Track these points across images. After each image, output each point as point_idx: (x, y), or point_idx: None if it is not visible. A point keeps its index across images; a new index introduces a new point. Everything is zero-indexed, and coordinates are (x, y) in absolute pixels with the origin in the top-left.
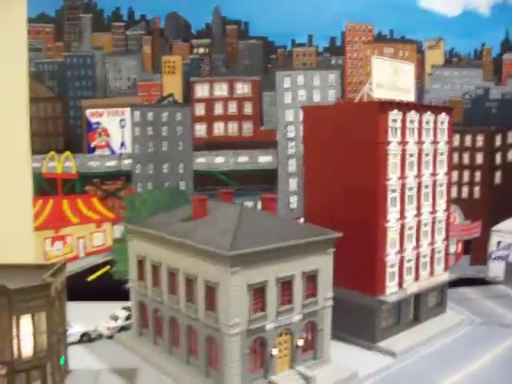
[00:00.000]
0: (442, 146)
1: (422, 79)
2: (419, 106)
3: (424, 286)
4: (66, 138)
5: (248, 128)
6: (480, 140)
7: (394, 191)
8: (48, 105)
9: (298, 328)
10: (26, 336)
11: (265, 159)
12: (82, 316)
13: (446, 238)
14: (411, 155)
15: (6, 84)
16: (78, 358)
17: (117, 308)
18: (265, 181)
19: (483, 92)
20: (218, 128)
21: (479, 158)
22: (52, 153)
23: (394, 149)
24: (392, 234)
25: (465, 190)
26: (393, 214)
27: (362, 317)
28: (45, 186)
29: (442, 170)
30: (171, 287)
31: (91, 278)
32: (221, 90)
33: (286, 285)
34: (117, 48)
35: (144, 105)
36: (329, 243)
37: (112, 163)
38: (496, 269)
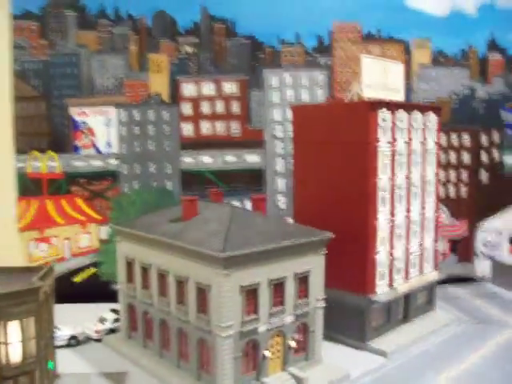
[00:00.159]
0: (431, 146)
1: (409, 79)
2: (408, 106)
3: (414, 285)
4: (51, 138)
5: (236, 127)
6: (467, 139)
7: (383, 191)
8: (32, 104)
9: (290, 329)
10: (14, 342)
11: (252, 159)
12: (69, 319)
13: (435, 237)
14: (401, 155)
15: None
16: (66, 361)
17: (104, 310)
18: (252, 180)
19: (470, 92)
20: (206, 127)
21: (466, 158)
22: (34, 152)
23: (383, 148)
24: (382, 234)
25: (452, 190)
26: (383, 213)
27: (352, 317)
28: (30, 187)
29: (431, 169)
30: (161, 289)
31: (77, 279)
32: (208, 89)
33: (278, 286)
34: (103, 46)
35: (130, 104)
36: (321, 244)
37: (98, 163)
38: (482, 267)
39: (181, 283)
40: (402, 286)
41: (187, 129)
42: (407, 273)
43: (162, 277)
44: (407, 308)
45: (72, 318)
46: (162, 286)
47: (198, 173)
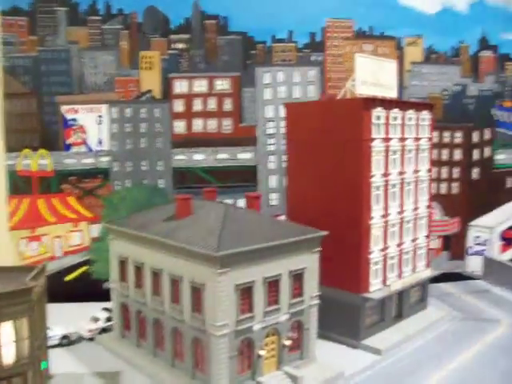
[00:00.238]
0: (424, 143)
1: (401, 75)
2: (402, 103)
3: (407, 283)
4: (42, 135)
5: (228, 125)
6: (458, 136)
7: (377, 188)
8: (22, 101)
9: (284, 328)
10: (7, 343)
11: (245, 156)
12: (61, 318)
13: (428, 235)
14: (394, 152)
15: None
16: (59, 361)
17: (97, 309)
18: (245, 178)
19: (461, 89)
20: (198, 125)
21: (458, 155)
22: (26, 150)
23: (378, 146)
24: (376, 232)
25: (443, 186)
26: (377, 211)
27: (346, 315)
28: (20, 185)
29: (424, 166)
30: (155, 288)
31: (69, 278)
32: (200, 86)
33: (272, 284)
34: (93, 43)
35: (121, 101)
36: (315, 242)
37: (89, 161)
38: (473, 264)
39: (175, 282)
40: (395, 284)
41: (179, 126)
42: (400, 270)
43: (156, 276)
44: (400, 306)
45: (64, 318)
46: (156, 285)
47: (190, 170)
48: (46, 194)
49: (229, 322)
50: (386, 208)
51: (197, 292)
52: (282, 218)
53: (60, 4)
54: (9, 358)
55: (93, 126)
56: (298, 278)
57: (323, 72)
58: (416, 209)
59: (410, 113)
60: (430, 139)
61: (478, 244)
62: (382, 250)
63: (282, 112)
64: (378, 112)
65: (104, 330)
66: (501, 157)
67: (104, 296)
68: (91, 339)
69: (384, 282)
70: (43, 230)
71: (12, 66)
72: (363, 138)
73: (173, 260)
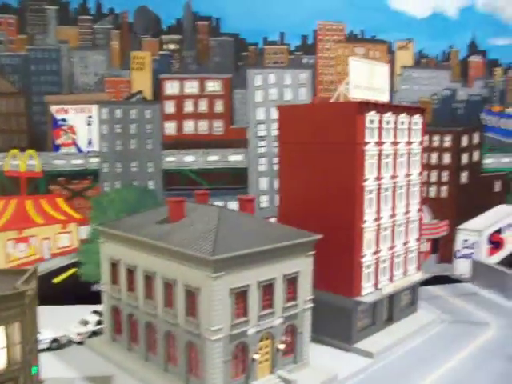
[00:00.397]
0: (416, 147)
1: (392, 79)
2: (395, 107)
3: (399, 286)
4: (30, 136)
5: (219, 126)
6: (447, 140)
7: (370, 192)
8: (10, 100)
9: (278, 332)
10: None
11: (235, 158)
12: (50, 321)
13: (419, 238)
14: (387, 156)
15: None
16: (49, 366)
17: (86, 312)
18: (235, 180)
19: (450, 93)
20: (188, 126)
21: (447, 158)
22: (14, 150)
23: (371, 150)
24: (368, 235)
25: (432, 190)
26: (369, 214)
27: (338, 318)
28: (7, 185)
29: (415, 170)
30: (148, 292)
31: (57, 280)
32: (191, 87)
33: (267, 288)
34: (83, 42)
35: (112, 101)
36: (309, 245)
37: (78, 162)
38: (462, 267)
39: (168, 286)
40: (387, 287)
41: (170, 127)
42: (392, 274)
43: (149, 279)
44: (391, 309)
45: (53, 321)
46: (149, 288)
47: (181, 172)
48: (34, 195)
49: (223, 327)
50: (378, 211)
51: (191, 296)
52: (273, 219)
53: (50, 2)
54: (0, 363)
55: (83, 126)
56: (292, 281)
57: (315, 75)
58: (407, 212)
59: (403, 117)
60: (422, 143)
61: (466, 247)
62: (374, 253)
63: (273, 114)
64: (371, 116)
65: (94, 334)
66: (489, 161)
67: (93, 298)
68: (81, 343)
69: (376, 285)
70: (31, 232)
71: (0, 65)
72: (357, 141)
73: (166, 263)
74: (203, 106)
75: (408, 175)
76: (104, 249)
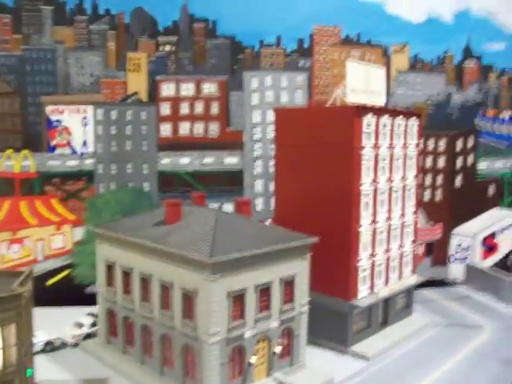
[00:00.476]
0: (412, 150)
1: (388, 83)
2: (392, 111)
3: (394, 290)
4: (25, 136)
5: (215, 129)
6: (442, 144)
7: (367, 195)
8: (5, 100)
9: (275, 334)
10: None
11: (231, 160)
12: (44, 323)
13: (414, 241)
14: (383, 159)
15: None
16: (43, 368)
17: (80, 314)
18: (231, 182)
19: (445, 97)
20: (184, 128)
21: (441, 162)
22: (9, 151)
23: (368, 153)
24: (364, 239)
25: (427, 193)
26: (366, 218)
27: (334, 321)
28: (1, 186)
29: (411, 174)
30: (144, 294)
31: (51, 281)
32: (187, 89)
33: (264, 291)
34: (79, 43)
35: (107, 103)
36: (306, 248)
37: (73, 163)
38: (455, 271)
39: (165, 288)
40: (382, 291)
41: (165, 129)
42: (388, 277)
43: (145, 281)
44: (386, 312)
45: (47, 323)
46: (145, 291)
47: (176, 174)
48: (29, 195)
49: (221, 329)
50: (374, 215)
51: (188, 298)
52: (268, 222)
53: (46, 2)
54: None
55: (78, 127)
56: (288, 284)
57: (311, 77)
58: (403, 215)
59: (399, 120)
60: (418, 145)
61: (460, 251)
62: (370, 256)
63: (269, 117)
64: (368, 119)
65: (89, 336)
66: (483, 165)
67: (87, 300)
68: (75, 345)
69: (372, 288)
70: (25, 233)
71: None
72: (354, 145)
73: (163, 266)
74: (199, 108)
75: (404, 179)
76: (100, 250)
